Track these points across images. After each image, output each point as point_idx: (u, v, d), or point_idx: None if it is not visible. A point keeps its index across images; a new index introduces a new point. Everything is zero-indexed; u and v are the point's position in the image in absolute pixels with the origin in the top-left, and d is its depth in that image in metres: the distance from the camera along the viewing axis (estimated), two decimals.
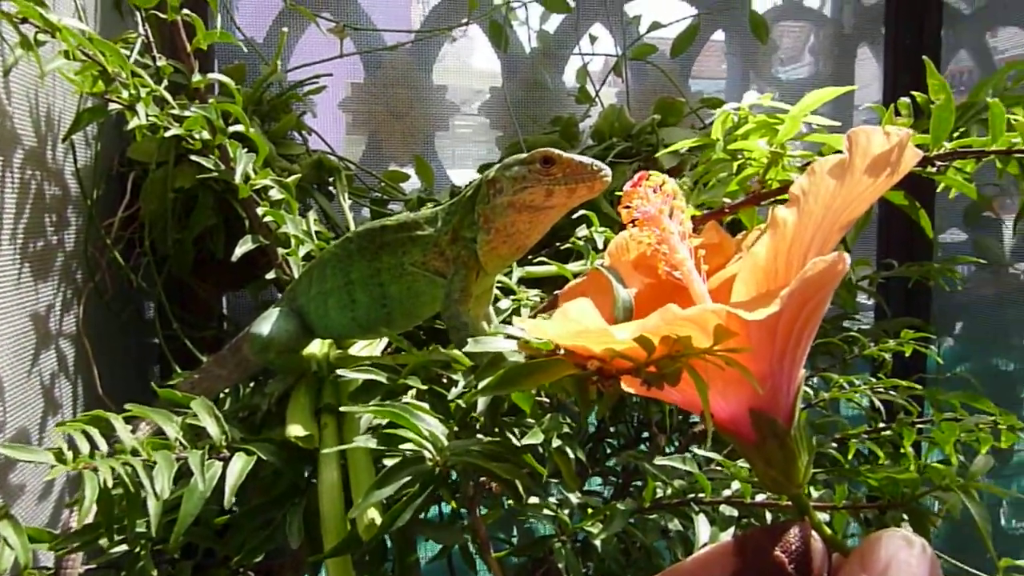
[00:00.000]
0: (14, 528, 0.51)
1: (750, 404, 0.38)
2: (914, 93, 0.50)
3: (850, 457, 0.64)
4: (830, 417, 0.71)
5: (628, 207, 0.41)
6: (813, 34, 1.19)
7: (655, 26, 1.02)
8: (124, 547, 0.48)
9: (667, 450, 0.78)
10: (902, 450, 0.61)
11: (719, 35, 1.13)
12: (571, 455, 0.51)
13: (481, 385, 0.36)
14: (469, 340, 0.37)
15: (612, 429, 0.93)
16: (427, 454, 0.38)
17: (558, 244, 0.73)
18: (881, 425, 0.66)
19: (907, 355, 0.75)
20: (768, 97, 0.54)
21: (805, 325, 0.36)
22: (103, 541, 0.47)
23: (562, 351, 0.38)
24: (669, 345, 0.34)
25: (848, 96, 1.19)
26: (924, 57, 0.48)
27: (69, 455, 0.41)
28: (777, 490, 0.41)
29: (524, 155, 0.49)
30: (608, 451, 0.92)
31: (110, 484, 0.40)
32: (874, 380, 0.70)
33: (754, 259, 0.36)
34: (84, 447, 0.42)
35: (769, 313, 0.30)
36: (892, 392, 0.69)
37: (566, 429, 0.51)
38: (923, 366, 1.02)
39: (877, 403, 0.72)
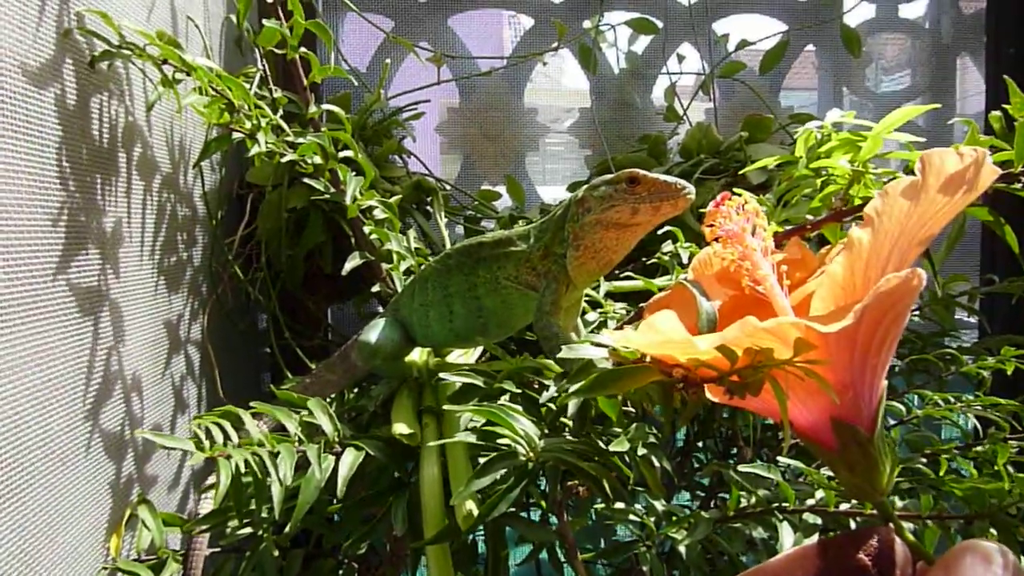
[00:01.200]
0: (151, 512, 0.58)
1: (831, 413, 0.40)
2: (1006, 107, 0.51)
3: (941, 474, 0.64)
4: (922, 433, 0.71)
5: (712, 225, 0.44)
6: (910, 45, 1.18)
7: (743, 44, 1.04)
8: (247, 531, 0.53)
9: (754, 461, 0.79)
10: (996, 468, 0.60)
11: (811, 47, 1.13)
12: (656, 464, 0.54)
13: (573, 388, 0.40)
14: (562, 347, 0.41)
15: (700, 444, 0.94)
16: (521, 450, 0.41)
17: (644, 259, 0.76)
18: (971, 442, 0.66)
19: (1008, 373, 0.73)
20: (851, 115, 0.56)
21: (885, 337, 0.38)
22: (230, 525, 0.53)
23: (648, 359, 0.41)
24: (751, 356, 0.37)
25: (949, 109, 1.17)
26: (1004, 76, 0.49)
27: (206, 444, 0.47)
28: (861, 497, 0.42)
29: (611, 175, 0.53)
30: (696, 465, 0.93)
31: (242, 470, 0.46)
32: (971, 398, 0.70)
33: (831, 276, 0.38)
34: (219, 438, 0.48)
35: (843, 326, 0.33)
36: (989, 410, 0.68)
37: (652, 439, 0.54)
38: None
39: (974, 421, 0.71)
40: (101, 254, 0.58)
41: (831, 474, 0.53)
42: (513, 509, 0.66)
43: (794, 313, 0.42)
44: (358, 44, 1.10)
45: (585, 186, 0.54)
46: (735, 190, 0.63)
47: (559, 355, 0.40)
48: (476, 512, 0.45)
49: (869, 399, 0.40)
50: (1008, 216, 0.64)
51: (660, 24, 1.07)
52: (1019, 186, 0.49)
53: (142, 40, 0.59)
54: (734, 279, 0.44)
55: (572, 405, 0.45)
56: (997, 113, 0.60)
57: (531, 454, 0.41)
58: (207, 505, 0.56)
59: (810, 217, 0.53)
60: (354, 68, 1.03)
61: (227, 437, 0.48)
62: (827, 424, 0.40)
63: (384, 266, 0.70)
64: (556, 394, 0.46)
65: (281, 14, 0.65)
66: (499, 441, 0.42)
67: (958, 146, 0.47)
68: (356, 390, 0.72)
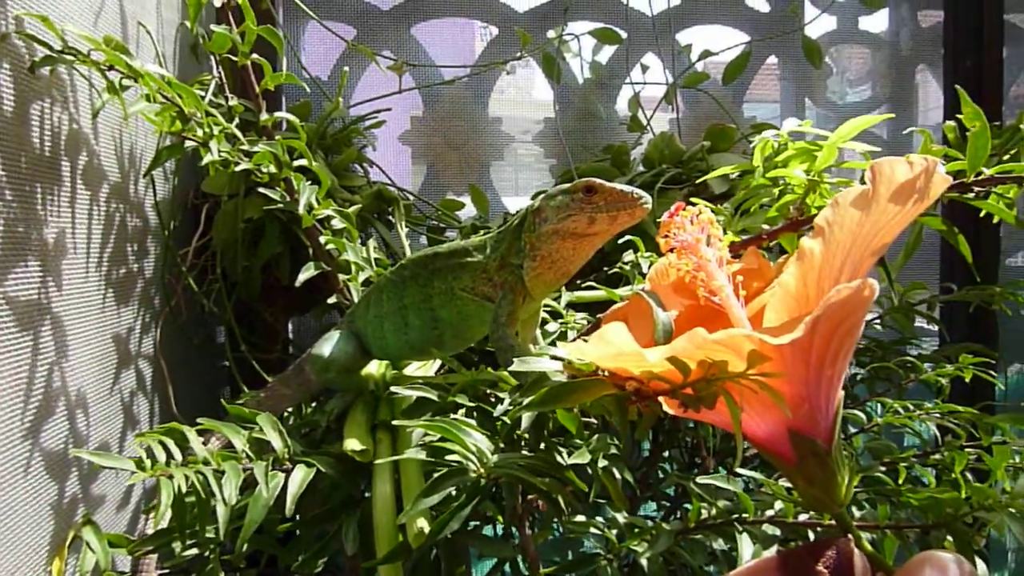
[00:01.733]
0: (95, 534, 0.56)
1: (789, 425, 0.39)
2: (960, 116, 0.51)
3: (900, 482, 0.64)
4: (879, 440, 0.71)
5: (666, 236, 0.44)
6: (870, 57, 1.19)
7: (706, 54, 1.04)
8: (195, 551, 0.52)
9: (716, 472, 0.79)
10: (952, 475, 0.60)
11: (773, 59, 1.14)
12: (618, 476, 0.53)
13: (526, 402, 0.39)
14: (515, 360, 0.40)
15: (666, 454, 0.94)
16: (472, 466, 0.40)
17: (606, 268, 0.75)
18: (930, 449, 0.66)
19: (967, 381, 0.74)
20: (808, 124, 0.56)
21: (839, 348, 0.38)
22: (176, 546, 0.51)
23: (604, 372, 0.40)
24: (705, 368, 0.36)
25: (910, 119, 1.18)
26: (957, 87, 0.49)
27: (148, 463, 0.46)
28: (819, 508, 0.42)
29: (567, 185, 0.52)
30: (661, 476, 0.93)
31: (184, 490, 0.44)
32: (929, 405, 0.70)
33: (784, 287, 0.38)
34: (161, 457, 0.46)
35: (793, 337, 0.32)
36: (947, 417, 0.68)
37: (613, 450, 0.53)
38: (991, 393, 1.00)
39: (933, 429, 0.72)
40: (42, 266, 0.56)
41: (790, 485, 0.53)
42: (477, 522, 0.65)
43: (751, 324, 0.42)
44: (321, 52, 1.09)
45: (541, 196, 0.53)
46: (692, 200, 0.63)
47: (512, 368, 0.39)
48: (428, 529, 0.44)
49: (826, 410, 0.40)
50: (964, 225, 0.65)
51: (624, 34, 1.07)
52: (972, 196, 0.49)
53: (87, 45, 0.57)
54: (690, 289, 0.43)
55: (526, 419, 0.44)
56: (951, 123, 0.61)
57: (482, 470, 0.40)
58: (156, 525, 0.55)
59: (767, 227, 0.53)
60: (315, 77, 1.02)
61: (170, 456, 0.47)
62: (784, 436, 0.39)
63: (342, 277, 0.69)
64: (510, 407, 0.45)
65: (232, 20, 0.64)
66: (450, 457, 0.41)
67: (909, 156, 0.47)
68: (314, 404, 0.71)
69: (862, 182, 0.59)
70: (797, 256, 0.36)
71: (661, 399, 0.40)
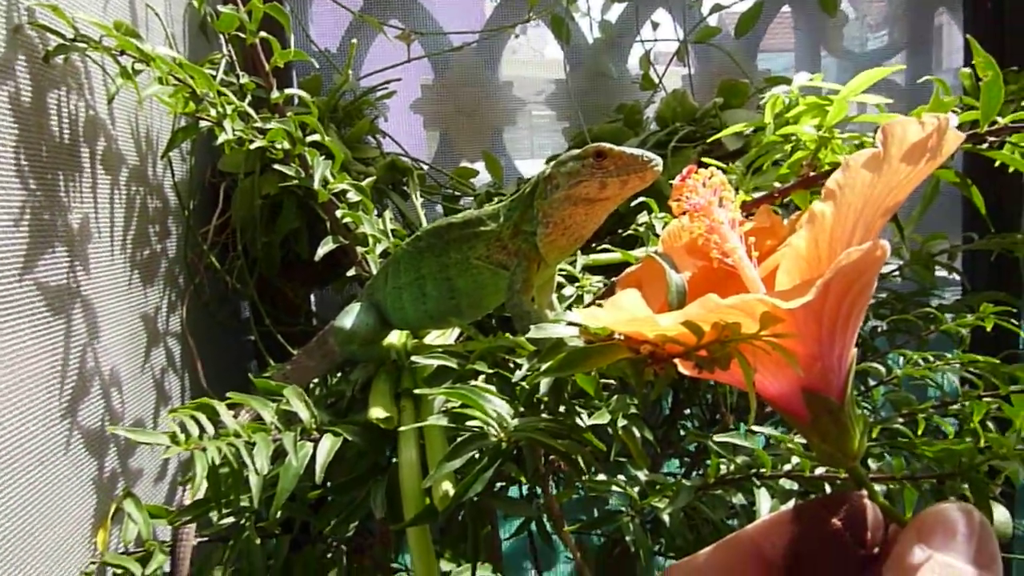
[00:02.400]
0: (136, 505, 0.59)
1: (802, 384, 0.40)
2: (975, 63, 0.51)
3: (920, 433, 0.65)
4: (899, 393, 0.72)
5: (678, 200, 0.44)
6: (887, 3, 1.17)
7: (716, 8, 1.03)
8: (231, 520, 0.54)
9: (735, 429, 0.80)
10: (969, 425, 0.61)
11: (787, 8, 1.12)
12: (637, 435, 0.55)
13: (543, 368, 0.40)
14: (531, 327, 0.41)
15: (687, 411, 0.95)
16: (492, 430, 0.42)
17: (621, 231, 0.76)
18: (949, 400, 0.66)
19: (988, 330, 0.74)
20: (819, 77, 0.55)
21: (852, 308, 0.39)
22: (212, 515, 0.53)
23: (619, 336, 0.41)
24: (718, 330, 0.37)
25: (929, 64, 1.16)
26: (968, 36, 0.49)
27: (182, 437, 0.48)
28: (833, 464, 0.43)
29: (577, 151, 0.52)
30: (682, 433, 0.94)
31: (217, 462, 0.46)
32: (948, 356, 0.70)
33: (795, 250, 0.38)
34: (194, 431, 0.48)
35: (804, 302, 0.33)
36: (966, 367, 0.68)
37: (632, 410, 0.55)
38: (1015, 342, 1.00)
39: (954, 380, 0.72)
40: (69, 252, 0.57)
41: (805, 441, 0.54)
42: (502, 483, 0.67)
43: (764, 284, 0.42)
44: (329, 25, 1.08)
45: (552, 162, 0.54)
46: (704, 160, 0.63)
47: (528, 335, 0.40)
48: (452, 492, 0.45)
49: (838, 369, 0.40)
50: (985, 173, 0.64)
51: None
52: (985, 146, 0.49)
53: (98, 32, 0.58)
54: (704, 251, 0.44)
55: (544, 384, 0.45)
56: (967, 70, 0.60)
57: (502, 434, 0.42)
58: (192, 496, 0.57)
59: (779, 184, 0.53)
60: (324, 50, 1.02)
61: (203, 430, 0.49)
62: (798, 395, 0.40)
63: (359, 249, 0.70)
64: (528, 373, 0.46)
65: None
66: (471, 423, 0.43)
67: (921, 111, 0.47)
68: (339, 374, 0.73)
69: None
70: (808, 219, 0.37)
71: (676, 361, 0.41)
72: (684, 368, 0.41)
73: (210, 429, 0.49)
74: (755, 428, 0.62)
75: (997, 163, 0.51)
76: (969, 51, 1.08)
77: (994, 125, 0.48)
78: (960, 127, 0.50)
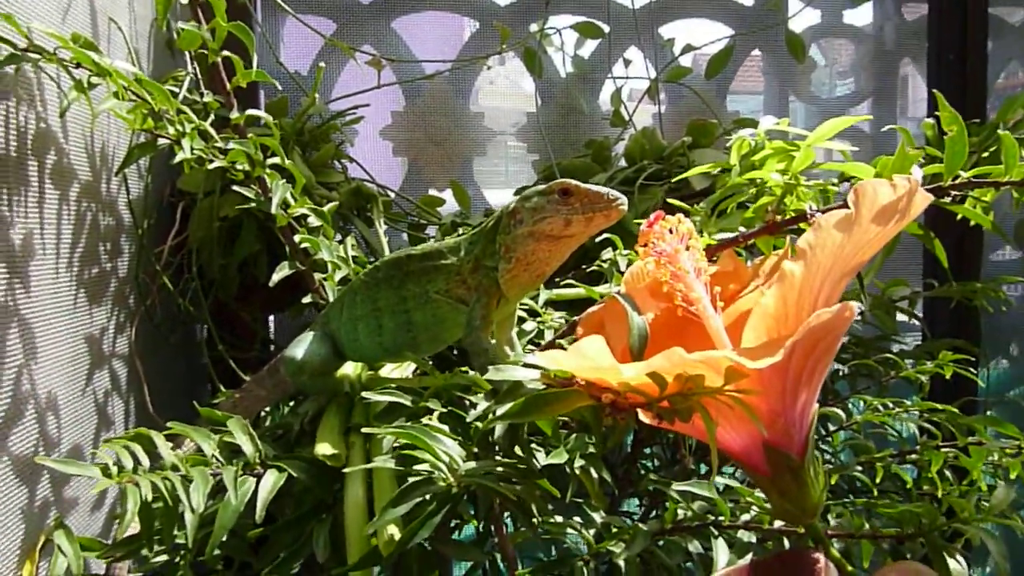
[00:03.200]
0: (67, 537, 0.55)
1: (763, 439, 0.39)
2: (938, 114, 0.51)
3: (878, 480, 0.64)
4: (858, 439, 0.71)
5: (645, 245, 0.43)
6: (855, 51, 1.19)
7: (688, 49, 1.03)
8: (165, 557, 0.51)
9: (695, 470, 0.79)
10: (927, 474, 0.61)
11: (757, 52, 1.13)
12: (595, 475, 0.53)
13: (500, 413, 0.38)
14: (489, 367, 0.39)
15: (647, 450, 0.94)
16: (441, 475, 0.40)
17: (584, 267, 0.75)
18: (908, 448, 0.66)
19: (947, 377, 0.74)
20: (786, 122, 0.55)
21: (817, 365, 0.38)
22: (145, 551, 0.51)
23: (578, 382, 0.40)
24: (682, 382, 0.36)
25: (894, 113, 1.18)
26: (934, 90, 0.49)
27: (114, 470, 0.45)
28: (791, 520, 0.42)
29: (543, 186, 0.51)
30: (643, 472, 0.93)
31: (149, 498, 0.44)
32: (907, 403, 0.70)
33: (763, 308, 0.37)
34: (128, 463, 0.46)
35: (772, 362, 0.32)
36: (925, 416, 0.68)
37: (591, 449, 0.53)
38: (974, 389, 1.00)
39: (912, 427, 0.72)
40: (8, 268, 0.55)
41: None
42: (457, 520, 0.65)
43: (727, 332, 0.41)
44: (301, 47, 1.07)
45: (516, 197, 0.53)
46: (669, 200, 0.62)
47: (487, 376, 0.38)
48: (398, 537, 0.43)
49: (800, 425, 0.40)
50: (948, 221, 0.65)
51: (606, 28, 1.06)
52: (949, 200, 0.48)
53: (53, 42, 0.56)
54: (667, 293, 0.43)
55: (499, 427, 0.43)
56: (930, 121, 0.60)
57: (451, 479, 0.40)
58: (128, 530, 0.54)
59: (743, 229, 0.52)
60: (295, 72, 1.00)
61: (137, 462, 0.46)
62: (759, 450, 0.39)
63: (317, 276, 0.68)
64: (483, 414, 0.45)
65: (201, 16, 0.63)
66: (419, 467, 0.41)
67: (886, 160, 0.47)
68: (292, 403, 0.70)
69: (844, 180, 0.59)
70: (778, 277, 0.36)
71: (638, 410, 0.40)
72: (645, 417, 0.40)
73: (145, 461, 0.47)
74: (721, 480, 0.60)
75: (958, 218, 0.51)
76: (932, 101, 1.10)
77: (957, 179, 0.48)
78: (923, 179, 0.50)
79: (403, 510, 0.39)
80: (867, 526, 0.52)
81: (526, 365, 0.40)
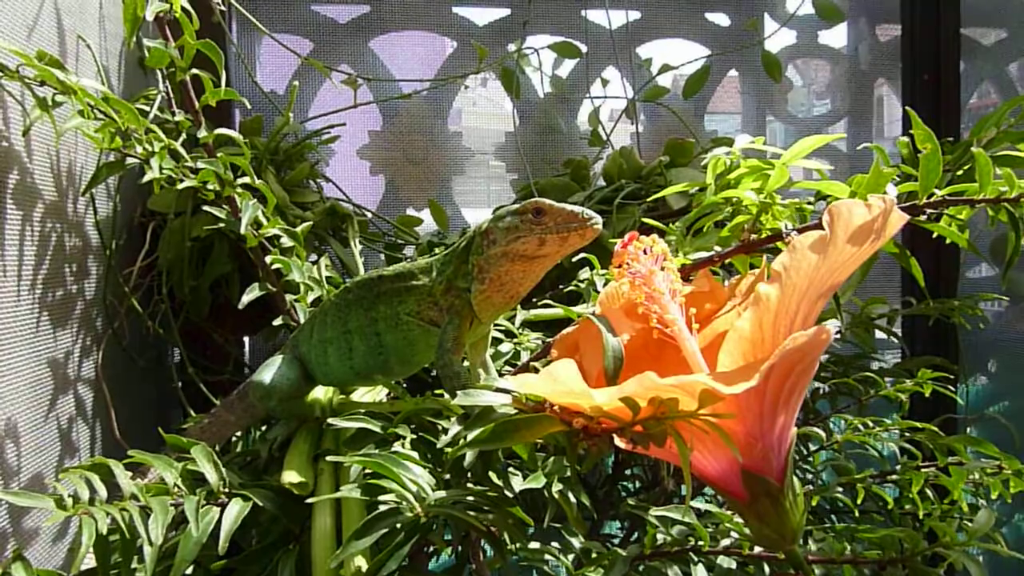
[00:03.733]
0: (26, 570, 0.53)
1: (741, 464, 0.38)
2: (913, 132, 0.50)
3: (859, 501, 0.63)
4: (839, 459, 0.70)
5: (620, 266, 0.42)
6: (830, 71, 1.19)
7: (665, 68, 1.03)
8: None
9: (675, 492, 0.78)
10: (908, 495, 0.60)
11: (734, 72, 1.14)
12: (574, 499, 0.52)
13: (470, 438, 0.37)
14: (459, 391, 0.38)
15: (628, 471, 0.92)
16: (407, 505, 0.38)
17: (562, 286, 0.74)
18: (888, 469, 0.65)
19: (927, 395, 0.73)
20: (761, 140, 0.55)
21: (794, 389, 0.37)
22: None
23: (554, 406, 0.39)
24: (655, 406, 0.35)
25: (870, 132, 1.19)
26: (907, 108, 0.49)
27: (69, 501, 0.43)
28: (771, 546, 0.41)
29: (516, 206, 0.50)
30: (624, 494, 0.91)
31: (105, 530, 0.42)
32: (888, 422, 0.69)
33: (739, 332, 0.37)
34: (84, 494, 0.44)
35: (748, 387, 0.31)
36: (905, 435, 0.68)
37: (569, 473, 0.52)
38: (953, 406, 1.00)
39: (892, 446, 0.71)
40: None
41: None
42: (432, 547, 0.63)
43: (703, 354, 0.40)
44: (277, 66, 1.06)
45: (490, 217, 0.52)
46: (645, 219, 0.61)
47: (457, 400, 0.37)
48: (365, 569, 0.41)
49: (779, 449, 0.39)
50: (924, 239, 0.64)
51: (584, 48, 1.06)
52: (924, 218, 0.48)
53: (16, 60, 0.55)
54: (642, 314, 0.42)
55: (470, 453, 0.42)
56: (905, 139, 0.60)
57: (419, 509, 0.38)
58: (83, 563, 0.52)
59: (719, 248, 0.51)
60: (270, 91, 0.99)
61: (94, 492, 0.44)
62: (737, 475, 0.39)
63: (289, 297, 0.67)
64: (453, 439, 0.43)
65: (171, 34, 0.61)
66: (386, 496, 0.39)
67: (861, 179, 0.46)
68: (264, 428, 0.69)
69: (820, 198, 0.58)
70: (753, 301, 0.36)
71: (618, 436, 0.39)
72: (620, 442, 0.39)
73: (103, 492, 0.44)
74: (693, 504, 0.59)
75: (934, 236, 0.51)
76: (907, 119, 1.10)
77: (932, 197, 0.48)
78: (898, 197, 0.49)
79: (369, 541, 0.37)
80: (848, 550, 0.50)
81: (497, 389, 0.39)
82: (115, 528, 0.43)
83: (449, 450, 0.44)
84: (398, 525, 0.38)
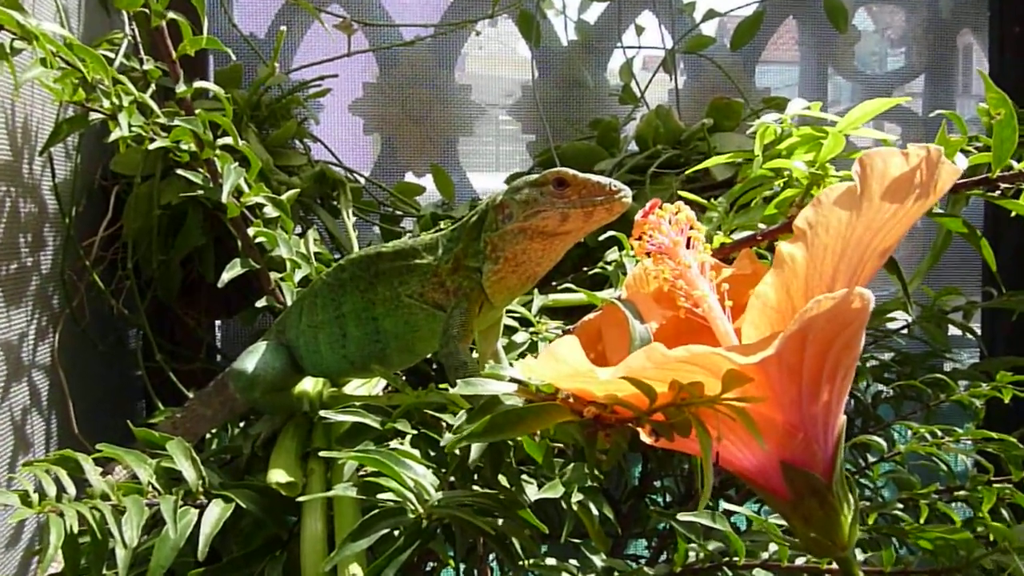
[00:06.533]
0: None
1: (780, 456, 0.40)
2: (987, 99, 0.52)
3: (923, 521, 0.66)
4: (900, 472, 0.73)
5: (641, 238, 0.44)
6: (905, 20, 1.20)
7: (711, 15, 1.05)
8: None
9: (713, 508, 0.80)
10: (980, 514, 0.62)
11: (792, 21, 1.15)
12: (596, 511, 0.54)
13: (467, 430, 0.40)
14: (459, 381, 0.41)
15: (658, 483, 0.95)
16: (409, 505, 0.41)
17: (586, 269, 0.76)
18: (954, 485, 0.67)
19: (1006, 402, 0.75)
20: (817, 106, 0.57)
21: (836, 368, 0.38)
22: None
23: (569, 397, 0.41)
24: (676, 392, 0.37)
25: (950, 91, 1.20)
26: (979, 71, 0.50)
27: (35, 498, 0.46)
28: (820, 553, 0.42)
29: (534, 176, 0.53)
30: (651, 509, 0.94)
31: (75, 530, 0.45)
32: (959, 431, 0.71)
33: (762, 299, 0.38)
34: (51, 490, 0.47)
35: (764, 356, 0.33)
36: (978, 446, 0.70)
37: (591, 482, 0.54)
38: None
39: (963, 459, 0.73)
40: None
41: (783, 522, 0.54)
42: (433, 564, 0.66)
43: (739, 339, 0.42)
44: (258, 6, 1.08)
45: (504, 188, 0.54)
46: (682, 194, 0.63)
47: (457, 390, 0.40)
48: None
49: (824, 440, 0.40)
50: (1006, 221, 0.66)
51: None
52: (998, 193, 0.50)
53: None
54: (673, 299, 0.44)
55: (475, 449, 0.45)
56: (984, 105, 0.62)
57: (421, 509, 0.41)
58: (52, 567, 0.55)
59: (763, 226, 0.54)
60: (250, 35, 1.02)
61: (62, 488, 0.47)
62: (777, 470, 0.40)
63: (273, 275, 0.69)
64: (454, 433, 0.46)
65: None
66: (384, 495, 0.42)
67: (908, 146, 0.48)
68: (242, 424, 0.72)
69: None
70: (775, 263, 0.37)
71: (636, 426, 0.41)
72: (643, 434, 0.41)
73: (71, 489, 0.48)
74: (730, 507, 0.62)
75: (1013, 214, 0.53)
76: (996, 76, 1.11)
77: (1009, 171, 0.50)
78: (973, 171, 0.51)
79: (365, 544, 0.40)
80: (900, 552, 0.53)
81: (503, 378, 0.41)
82: (85, 529, 0.47)
83: (455, 451, 0.46)
84: (398, 527, 0.41)
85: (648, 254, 0.43)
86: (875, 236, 0.37)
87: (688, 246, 0.43)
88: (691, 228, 0.42)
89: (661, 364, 0.34)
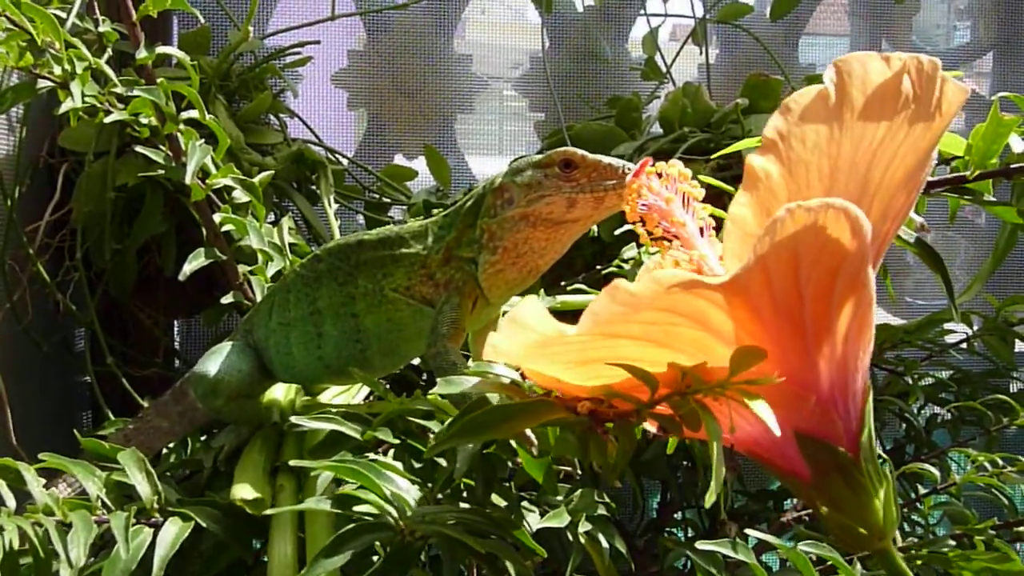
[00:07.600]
0: None
1: (793, 424, 0.39)
2: None
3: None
4: (954, 504, 0.74)
5: (629, 203, 0.43)
6: None
7: None
8: None
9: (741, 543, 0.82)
10: None
11: None
12: (605, 544, 0.55)
13: (449, 430, 0.40)
14: (439, 379, 0.42)
15: (678, 516, 0.96)
16: (389, 519, 0.43)
17: (600, 267, 0.77)
18: (1013, 520, 0.68)
19: None
20: None
21: (840, 311, 0.36)
22: None
23: (554, 395, 0.42)
24: (677, 378, 0.37)
25: (1020, 71, 1.21)
26: None
27: None
28: (855, 545, 0.41)
29: (539, 156, 0.54)
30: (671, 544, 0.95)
31: (16, 548, 0.47)
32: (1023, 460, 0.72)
33: (739, 225, 0.37)
34: None
35: (734, 275, 0.31)
36: None
37: (602, 510, 0.55)
38: None
39: None
40: None
41: (811, 547, 0.55)
42: None
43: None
44: None
45: (505, 171, 0.55)
46: (710, 180, 0.65)
47: (437, 389, 0.41)
48: None
49: (844, 405, 0.38)
50: None
51: None
52: None
53: None
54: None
55: (462, 459, 0.46)
56: None
57: (401, 524, 0.43)
58: None
59: None
60: None
61: (1, 501, 0.49)
62: (792, 443, 0.38)
63: (242, 269, 0.71)
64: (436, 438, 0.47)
65: None
66: (361, 508, 0.44)
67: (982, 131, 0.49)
68: (204, 437, 0.73)
69: (949, 167, 0.60)
70: (748, 182, 0.36)
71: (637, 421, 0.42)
72: (650, 424, 0.41)
73: (11, 502, 0.49)
74: (755, 534, 0.63)
75: None
76: None
77: None
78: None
79: (340, 561, 0.41)
80: None
81: (492, 374, 0.42)
82: (26, 549, 0.48)
83: (442, 461, 0.48)
84: (376, 544, 0.43)
85: (641, 221, 0.42)
86: (874, 159, 0.35)
87: (684, 205, 0.42)
88: (685, 183, 0.41)
89: (630, 304, 0.32)
